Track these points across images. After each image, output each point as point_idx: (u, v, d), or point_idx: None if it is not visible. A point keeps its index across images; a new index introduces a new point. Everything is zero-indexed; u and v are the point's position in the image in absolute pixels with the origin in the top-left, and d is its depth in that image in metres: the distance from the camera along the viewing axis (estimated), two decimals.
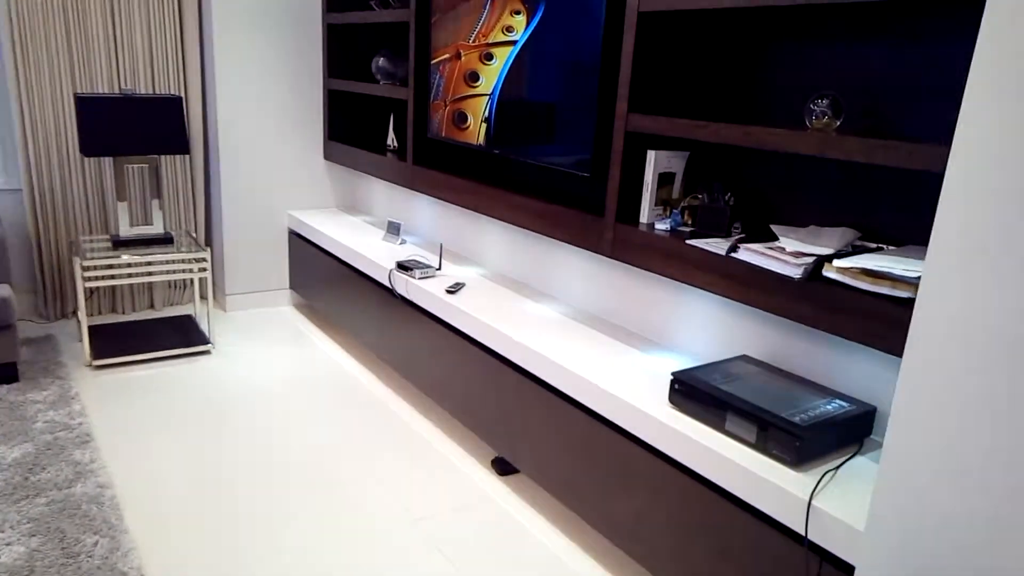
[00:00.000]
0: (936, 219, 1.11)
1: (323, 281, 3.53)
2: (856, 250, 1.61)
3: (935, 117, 1.56)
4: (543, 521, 2.20)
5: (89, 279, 3.06)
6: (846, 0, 1.45)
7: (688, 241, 1.84)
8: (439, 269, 2.87)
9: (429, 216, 3.37)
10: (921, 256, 1.47)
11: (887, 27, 1.62)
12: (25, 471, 2.19)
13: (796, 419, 1.53)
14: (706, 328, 2.09)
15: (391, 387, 3.07)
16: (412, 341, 2.79)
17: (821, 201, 1.80)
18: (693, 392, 1.72)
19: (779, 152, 1.84)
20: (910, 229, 1.63)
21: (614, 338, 2.26)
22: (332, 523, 2.12)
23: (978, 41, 1.05)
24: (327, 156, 3.86)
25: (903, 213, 1.64)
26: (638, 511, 1.83)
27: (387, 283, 2.91)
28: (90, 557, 1.83)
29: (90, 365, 3.06)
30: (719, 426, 1.66)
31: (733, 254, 1.72)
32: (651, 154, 2.03)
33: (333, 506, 2.20)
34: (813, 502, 1.41)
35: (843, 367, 1.75)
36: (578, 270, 2.53)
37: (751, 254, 1.67)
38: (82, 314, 3.02)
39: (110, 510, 2.04)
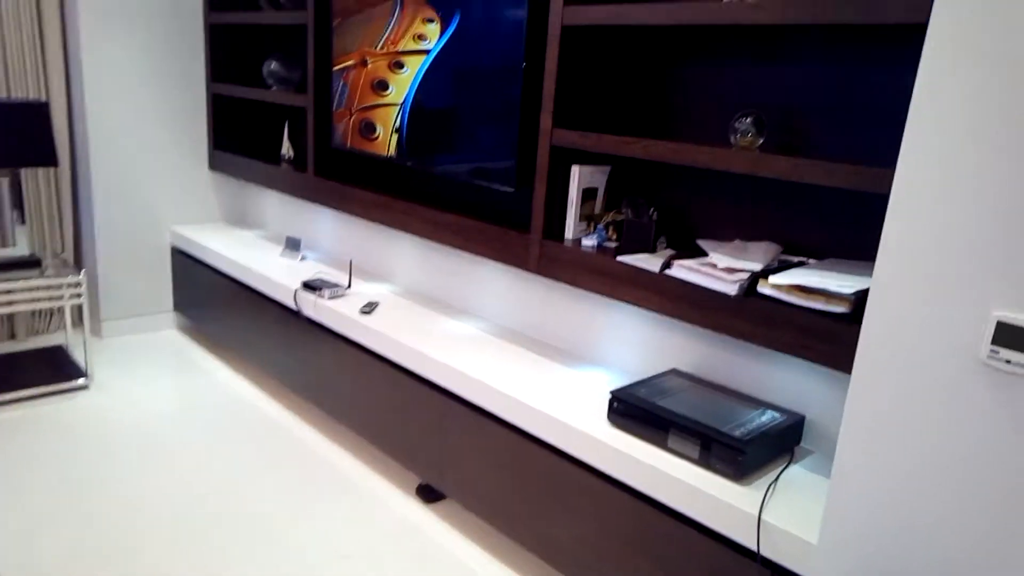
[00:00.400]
0: (883, 234, 1.15)
1: (213, 302, 3.29)
2: (782, 264, 1.66)
3: (845, 134, 1.63)
4: (477, 549, 2.13)
5: None
6: (762, 23, 1.49)
7: (619, 258, 1.83)
8: (349, 287, 2.74)
9: (331, 231, 3.21)
10: (847, 270, 1.53)
11: (799, 49, 1.68)
12: None
13: (737, 433, 1.56)
14: (631, 342, 2.10)
15: (297, 414, 2.90)
16: (321, 365, 2.64)
17: (740, 215, 1.85)
18: (633, 410, 1.71)
19: (701, 168, 1.88)
20: (827, 242, 1.70)
21: (539, 354, 2.23)
22: (256, 569, 1.96)
23: (920, 69, 1.09)
24: (212, 166, 3.60)
25: (819, 226, 1.70)
26: (578, 532, 1.80)
27: (291, 304, 2.74)
28: None
29: None
30: (661, 443, 1.66)
31: (667, 271, 1.73)
32: (575, 169, 2.01)
33: (253, 550, 2.04)
34: (762, 516, 1.43)
35: (768, 376, 1.80)
36: (497, 285, 2.48)
37: (685, 271, 1.68)
38: None
39: None
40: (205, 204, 3.68)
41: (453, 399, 2.13)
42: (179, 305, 3.61)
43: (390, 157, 2.56)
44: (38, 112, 2.84)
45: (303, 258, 3.14)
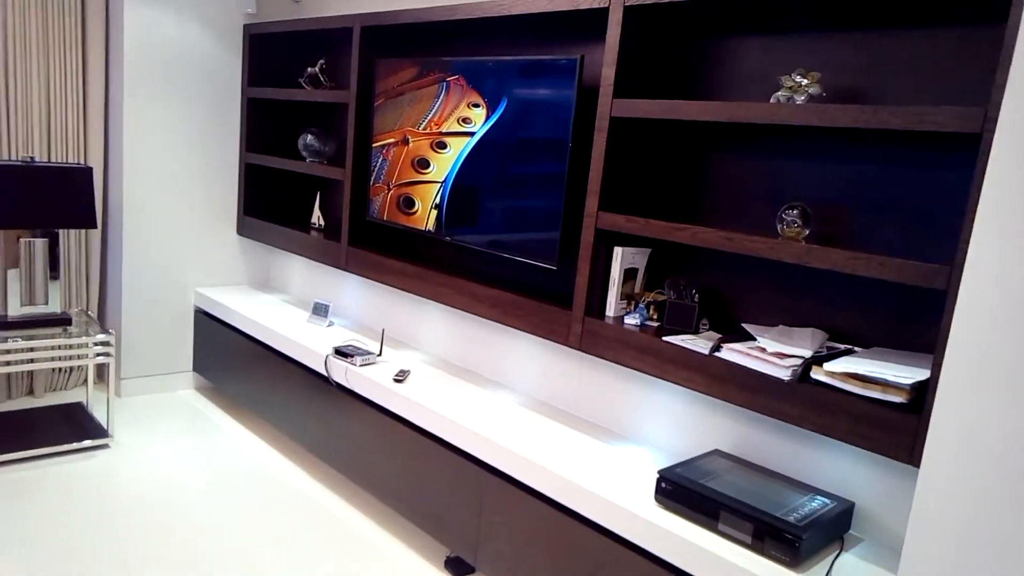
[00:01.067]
0: (952, 333, 1.20)
1: (235, 363, 3.30)
2: (830, 351, 1.71)
3: (884, 230, 1.70)
4: None
5: None
6: (811, 125, 1.59)
7: (666, 338, 1.88)
8: (380, 355, 2.76)
9: (359, 298, 3.26)
10: (897, 360, 1.58)
11: (838, 146, 1.78)
12: None
13: (791, 519, 1.57)
14: (670, 421, 2.13)
15: (320, 481, 2.87)
16: (349, 432, 2.64)
17: (780, 300, 1.91)
18: (682, 491, 1.73)
19: (743, 255, 1.95)
20: (868, 330, 1.76)
21: (575, 429, 2.25)
22: None
23: (987, 172, 1.17)
24: (241, 232, 3.67)
25: (859, 315, 1.76)
26: None
27: (319, 369, 2.75)
28: None
29: None
30: (711, 526, 1.67)
31: (717, 353, 1.78)
32: (618, 250, 2.08)
33: None
34: None
35: (811, 461, 1.83)
36: (531, 358, 2.52)
37: (735, 354, 1.73)
38: None
39: None
40: (231, 268, 3.73)
41: (491, 471, 2.13)
42: (199, 366, 3.62)
43: (428, 231, 2.63)
44: (83, 176, 2.91)
45: (331, 324, 3.17)
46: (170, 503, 2.56)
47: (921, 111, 1.42)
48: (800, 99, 1.71)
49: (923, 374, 1.49)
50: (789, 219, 1.75)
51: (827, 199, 1.81)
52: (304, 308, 3.43)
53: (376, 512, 2.68)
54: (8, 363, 2.95)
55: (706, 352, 1.78)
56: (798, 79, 1.71)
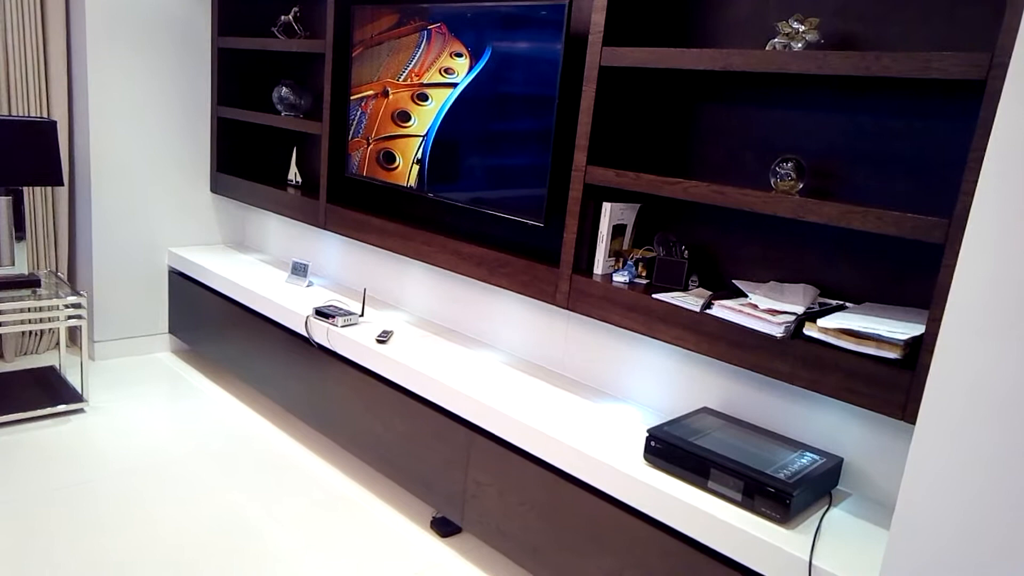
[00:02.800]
0: (953, 286, 1.17)
1: (212, 325, 3.22)
2: (822, 307, 1.69)
3: (880, 182, 1.67)
4: None
5: None
6: (809, 73, 1.53)
7: (655, 296, 1.84)
8: (362, 316, 2.71)
9: (339, 257, 3.18)
10: (890, 316, 1.56)
11: (842, 98, 1.73)
12: None
13: (782, 476, 1.56)
14: (658, 379, 2.11)
15: (302, 442, 2.84)
16: (330, 393, 2.60)
17: (770, 256, 1.87)
18: (671, 450, 1.71)
19: (735, 209, 1.90)
20: (859, 286, 1.73)
21: (562, 388, 2.22)
22: None
23: (996, 120, 1.12)
24: (215, 189, 3.55)
25: (851, 270, 1.73)
26: (612, 572, 1.78)
27: (301, 330, 2.69)
28: None
29: None
30: (701, 484, 1.66)
31: (708, 310, 1.74)
32: (607, 206, 2.03)
33: None
34: (812, 560, 1.43)
35: (800, 417, 1.82)
36: (516, 318, 2.47)
37: (727, 311, 1.70)
38: None
39: None
40: (205, 227, 3.63)
41: (476, 431, 2.11)
42: (175, 327, 3.53)
43: (410, 187, 2.55)
44: (45, 131, 2.78)
45: (310, 284, 3.10)
46: (149, 467, 2.51)
47: (926, 57, 1.37)
48: (797, 46, 1.64)
49: (917, 329, 1.47)
50: (783, 172, 1.71)
51: (822, 152, 1.76)
52: (282, 268, 3.35)
53: (360, 473, 2.65)
54: None
55: (696, 309, 1.75)
56: (795, 25, 1.65)
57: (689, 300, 1.80)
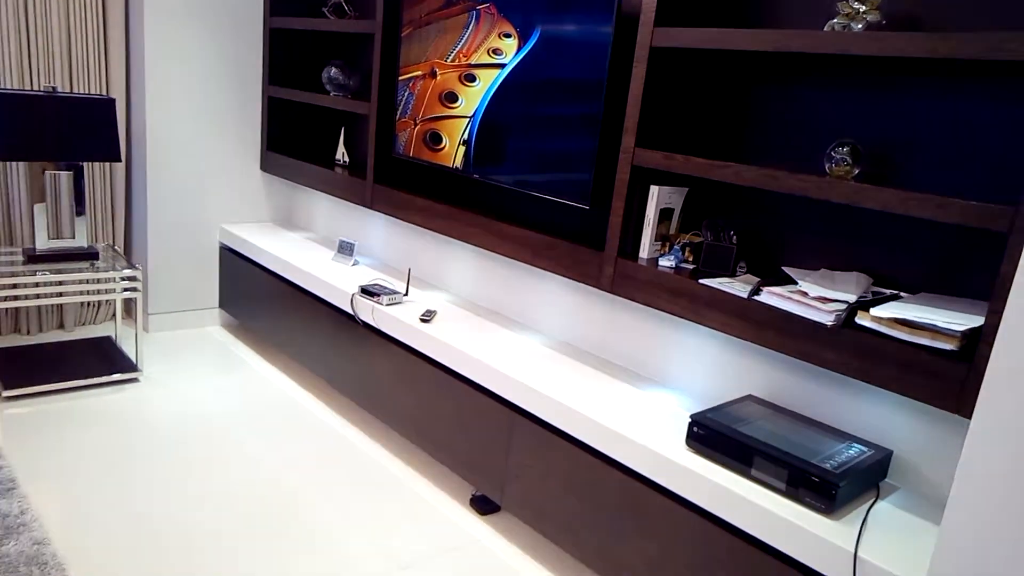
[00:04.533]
0: (1017, 277, 1.13)
1: (261, 301, 3.29)
2: (875, 297, 1.65)
3: (938, 169, 1.61)
4: (537, 565, 2.12)
5: (2, 298, 2.70)
6: (872, 55, 1.48)
7: (702, 281, 1.82)
8: (406, 295, 2.74)
9: (384, 237, 3.22)
10: (946, 306, 1.52)
11: (902, 82, 1.67)
12: None
13: (828, 466, 1.54)
14: (702, 365, 2.09)
15: (346, 417, 2.89)
16: (374, 370, 2.64)
17: (822, 243, 1.83)
18: (714, 436, 1.70)
19: (786, 194, 1.86)
20: (915, 276, 1.68)
21: (604, 372, 2.22)
22: (313, 573, 1.95)
23: None
24: (265, 168, 3.62)
25: (906, 259, 1.69)
26: (653, 557, 1.78)
27: (347, 308, 2.74)
28: None
29: None
30: (744, 472, 1.65)
31: (756, 297, 1.72)
32: (654, 189, 2.00)
33: (308, 554, 2.03)
34: (858, 552, 1.41)
35: (848, 408, 1.78)
36: (559, 300, 2.47)
37: (775, 298, 1.67)
38: None
39: (55, 572, 1.78)
40: (255, 204, 3.70)
41: (518, 412, 2.12)
42: (224, 302, 3.62)
43: (455, 168, 2.56)
44: (105, 108, 2.86)
45: (355, 263, 3.14)
46: (201, 436, 2.59)
47: (998, 38, 1.32)
48: (858, 27, 1.59)
49: (975, 321, 1.42)
50: (838, 157, 1.66)
51: (879, 137, 1.71)
52: (329, 247, 3.40)
53: (403, 449, 2.69)
54: (38, 296, 2.97)
55: (744, 296, 1.72)
56: (856, 5, 1.60)
57: (737, 286, 1.77)
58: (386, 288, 2.72)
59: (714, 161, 1.78)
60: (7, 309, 3.25)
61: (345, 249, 3.15)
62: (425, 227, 2.67)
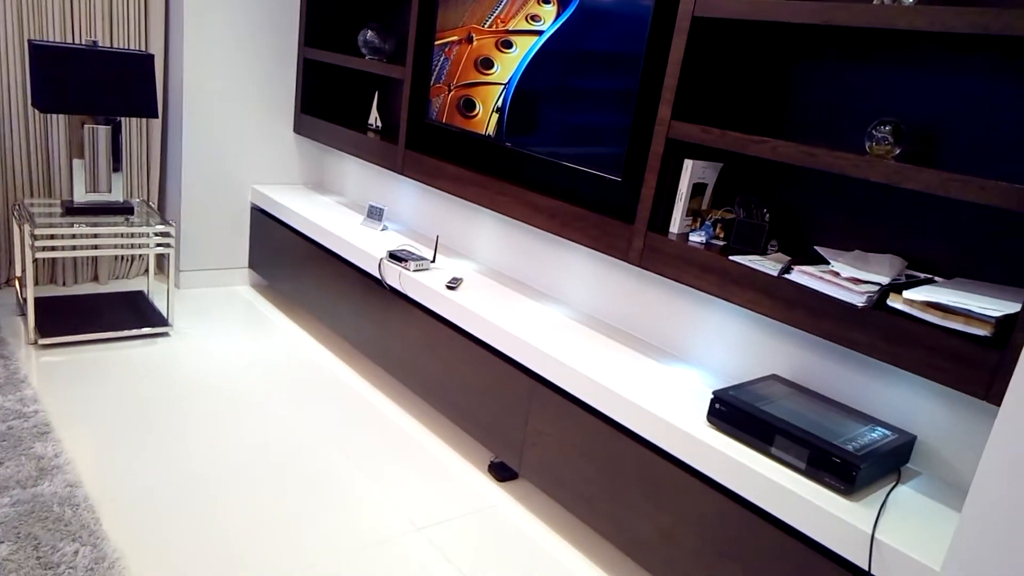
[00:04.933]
0: None
1: (289, 262, 3.33)
2: (909, 280, 1.62)
3: (981, 151, 1.57)
4: (552, 533, 2.14)
5: (41, 248, 2.77)
6: (919, 29, 1.44)
7: (732, 258, 1.80)
8: (433, 262, 2.75)
9: (413, 203, 3.22)
10: (980, 291, 1.49)
11: (943, 59, 1.63)
12: None
13: (850, 448, 1.53)
14: (728, 343, 2.07)
15: (369, 380, 2.93)
16: (399, 334, 2.66)
17: (856, 223, 1.80)
18: (736, 413, 1.69)
19: (823, 172, 1.83)
20: (950, 259, 1.65)
21: (627, 346, 2.22)
22: (331, 528, 1.99)
23: None
24: (298, 130, 3.63)
25: (943, 242, 1.65)
26: (667, 529, 1.79)
27: (374, 272, 2.76)
28: (72, 568, 1.64)
29: (34, 344, 2.77)
30: (764, 450, 1.64)
31: (786, 275, 1.70)
32: (688, 163, 1.98)
33: (326, 511, 2.07)
34: (875, 534, 1.41)
35: (873, 391, 1.77)
36: (586, 272, 2.47)
37: (806, 277, 1.65)
38: (30, 288, 2.73)
39: (86, 513, 1.84)
40: (287, 166, 3.72)
41: (540, 381, 2.13)
42: (254, 262, 3.67)
43: (488, 136, 2.55)
44: (144, 64, 2.89)
45: (384, 228, 3.16)
46: (229, 390, 2.65)
47: None
48: (907, 1, 1.55)
49: (1011, 307, 1.39)
50: (879, 136, 1.63)
51: (923, 117, 1.67)
52: (358, 211, 3.42)
53: (423, 414, 2.73)
54: (75, 248, 3.03)
55: (775, 274, 1.71)
56: None
57: (767, 264, 1.75)
58: (414, 254, 2.74)
59: (751, 136, 1.75)
60: (45, 260, 3.33)
61: (374, 214, 3.17)
62: (455, 195, 2.67)
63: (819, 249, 1.78)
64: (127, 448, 2.21)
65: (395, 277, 2.66)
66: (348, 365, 3.03)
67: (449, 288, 2.50)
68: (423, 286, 2.53)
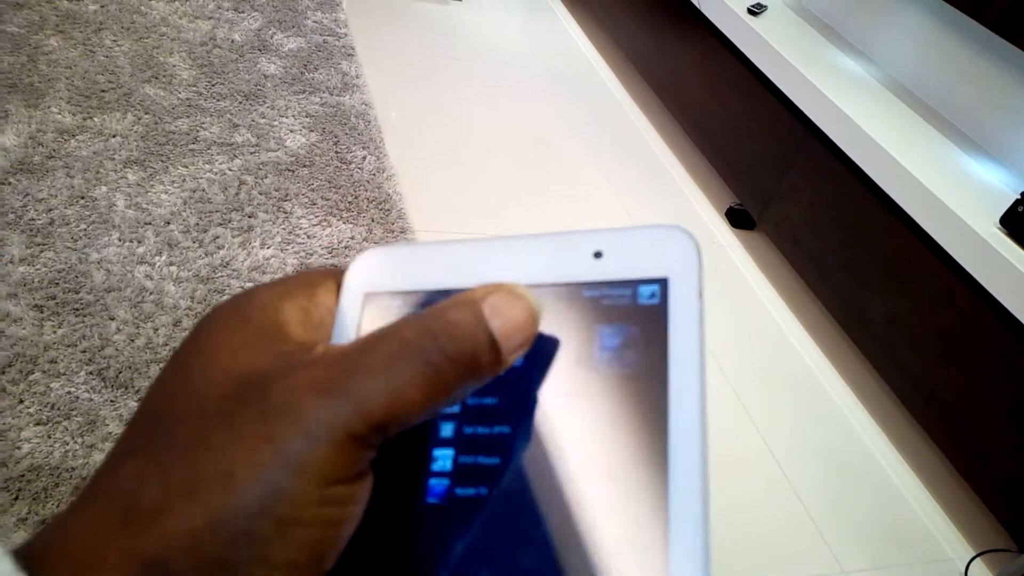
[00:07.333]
0: None
1: None
2: None
3: None
4: (772, 290, 2.13)
5: None
6: None
7: None
8: None
9: None
10: None
11: None
12: (301, 65, 2.25)
13: None
14: None
15: (632, 93, 2.89)
16: (677, 52, 2.53)
17: None
18: None
19: None
20: None
21: (934, 127, 1.95)
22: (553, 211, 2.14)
23: None
24: None
25: None
26: (898, 316, 1.71)
27: None
28: (360, 169, 1.92)
29: None
30: None
31: None
32: None
33: (557, 197, 2.20)
34: None
35: None
36: (911, 29, 2.11)
37: None
38: None
39: (375, 130, 2.10)
40: None
41: (816, 136, 1.97)
42: None
43: None
44: None
45: None
46: (503, 65, 2.75)
47: None
48: None
49: None
50: None
51: None
52: None
53: (676, 140, 2.68)
54: None
55: None
56: None
57: None
58: None
59: None
60: None
61: None
62: None
63: None
64: (411, 89, 2.43)
65: None
66: (618, 78, 2.99)
67: (751, 13, 2.27)
68: (723, 3, 2.33)
